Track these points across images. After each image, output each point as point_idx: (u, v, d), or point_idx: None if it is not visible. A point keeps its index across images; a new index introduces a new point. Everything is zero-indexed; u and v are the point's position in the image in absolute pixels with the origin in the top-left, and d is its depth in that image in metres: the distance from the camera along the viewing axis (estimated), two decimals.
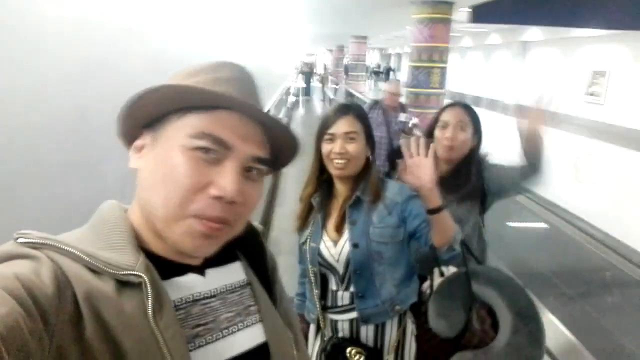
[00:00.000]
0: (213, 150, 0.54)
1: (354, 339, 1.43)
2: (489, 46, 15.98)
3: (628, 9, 7.14)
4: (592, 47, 11.08)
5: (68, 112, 1.35)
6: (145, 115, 0.58)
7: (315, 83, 20.68)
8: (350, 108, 1.41)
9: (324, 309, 1.48)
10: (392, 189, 1.42)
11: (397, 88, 4.24)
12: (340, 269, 1.42)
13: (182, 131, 0.55)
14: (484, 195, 1.73)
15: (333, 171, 1.39)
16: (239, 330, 0.62)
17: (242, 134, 0.56)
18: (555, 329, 2.34)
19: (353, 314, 1.41)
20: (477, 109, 1.88)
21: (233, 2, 4.46)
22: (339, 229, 1.43)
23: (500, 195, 1.79)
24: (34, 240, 0.49)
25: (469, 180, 1.70)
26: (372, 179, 1.41)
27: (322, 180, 1.46)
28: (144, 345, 0.48)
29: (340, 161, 1.35)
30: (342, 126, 1.36)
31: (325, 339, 1.48)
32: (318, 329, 1.51)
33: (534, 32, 12.81)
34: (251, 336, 0.63)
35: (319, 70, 19.89)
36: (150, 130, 0.59)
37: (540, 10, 6.70)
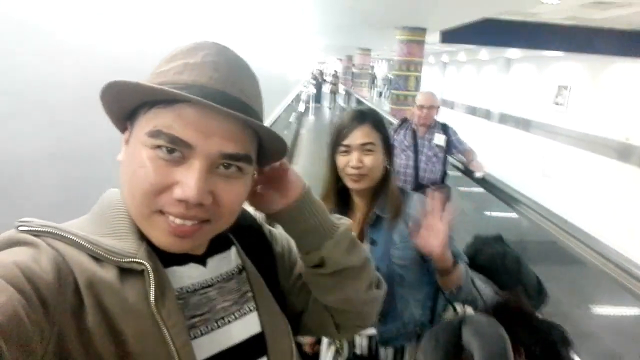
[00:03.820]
0: (176, 149, 0.50)
1: (373, 358, 1.35)
2: (480, 61, 17.96)
3: (577, 35, 9.09)
4: (559, 64, 13.03)
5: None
6: (121, 110, 0.55)
7: (325, 89, 21.20)
8: (366, 116, 1.30)
9: None
10: (415, 206, 1.30)
11: (429, 99, 3.16)
12: None
13: (144, 128, 0.51)
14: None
15: (349, 184, 1.29)
16: (236, 319, 0.61)
17: (205, 129, 0.50)
18: None
19: (373, 330, 1.32)
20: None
21: (250, 12, 4.92)
22: None
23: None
24: (35, 228, 0.48)
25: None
26: (391, 193, 1.31)
27: (337, 191, 1.36)
28: (146, 333, 0.48)
29: (356, 174, 1.26)
30: (358, 137, 1.26)
31: (342, 357, 1.39)
32: (331, 343, 1.42)
33: (515, 50, 14.75)
34: (247, 326, 0.62)
35: (330, 77, 20.69)
36: (130, 124, 0.56)
37: (493, 33, 8.75)
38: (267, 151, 0.60)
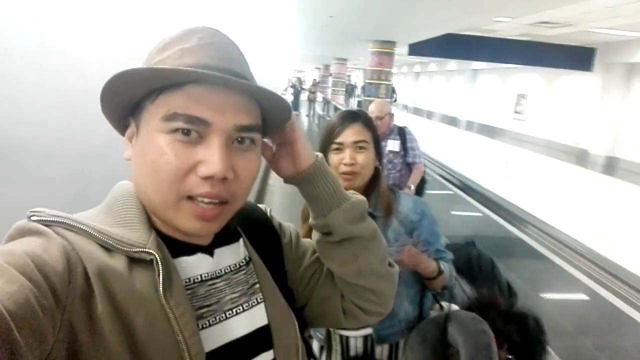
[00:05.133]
0: (192, 130, 0.51)
1: (368, 357, 1.33)
2: (449, 72, 19.06)
3: (528, 50, 10.06)
4: (519, 75, 14.12)
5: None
6: (123, 104, 0.55)
7: (303, 97, 21.34)
8: (358, 115, 1.30)
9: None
10: (406, 204, 1.32)
11: (377, 109, 3.13)
12: None
13: (156, 115, 0.52)
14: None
15: (341, 183, 1.16)
16: (243, 311, 0.61)
17: (218, 106, 0.52)
18: None
19: (368, 330, 1.30)
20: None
21: (231, 21, 5.09)
22: None
23: None
24: (45, 218, 0.49)
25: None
26: (382, 191, 1.30)
27: None
28: (154, 322, 0.48)
29: (349, 171, 1.24)
30: (350, 135, 1.25)
31: (335, 357, 1.35)
32: (323, 347, 1.39)
33: (480, 62, 15.82)
34: (254, 318, 0.62)
35: (308, 85, 21.15)
36: (134, 118, 0.56)
37: (457, 47, 9.65)
38: (269, 120, 0.61)
